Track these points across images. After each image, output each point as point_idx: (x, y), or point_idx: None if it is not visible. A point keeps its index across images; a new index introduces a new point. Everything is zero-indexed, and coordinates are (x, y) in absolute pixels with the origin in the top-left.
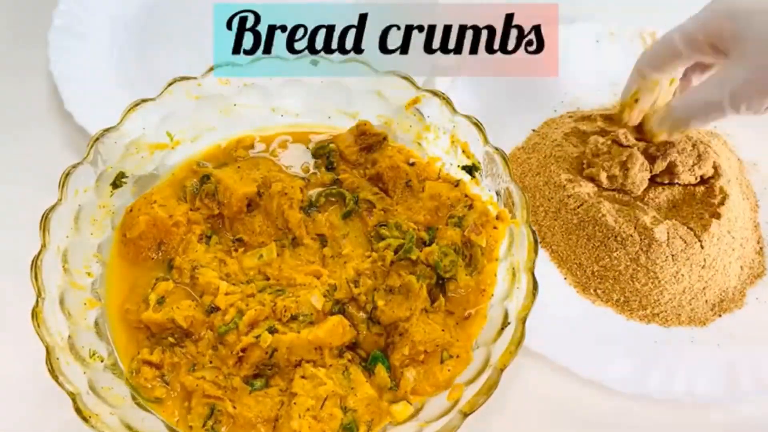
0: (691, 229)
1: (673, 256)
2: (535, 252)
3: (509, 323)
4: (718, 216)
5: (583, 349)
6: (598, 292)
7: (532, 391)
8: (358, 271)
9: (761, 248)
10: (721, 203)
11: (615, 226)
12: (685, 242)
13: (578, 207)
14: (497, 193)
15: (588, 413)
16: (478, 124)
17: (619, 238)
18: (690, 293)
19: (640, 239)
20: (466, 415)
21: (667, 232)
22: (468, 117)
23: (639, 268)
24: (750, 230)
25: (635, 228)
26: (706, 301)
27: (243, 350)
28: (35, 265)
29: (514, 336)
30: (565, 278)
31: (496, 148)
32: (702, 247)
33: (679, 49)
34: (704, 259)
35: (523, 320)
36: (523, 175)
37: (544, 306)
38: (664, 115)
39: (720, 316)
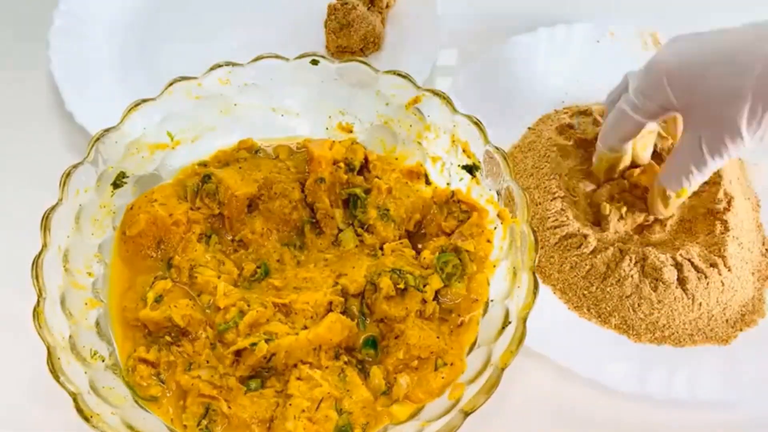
0: (706, 257)
1: (685, 290)
2: (536, 251)
3: (510, 322)
4: (724, 223)
5: (584, 349)
6: (593, 312)
7: (533, 391)
8: (368, 277)
9: (766, 250)
10: (727, 209)
11: (605, 268)
12: (701, 273)
13: (557, 228)
14: (498, 193)
15: (588, 413)
16: (478, 124)
17: (615, 276)
18: (707, 316)
19: (640, 279)
20: (467, 414)
21: (677, 270)
22: (468, 116)
23: (642, 301)
24: (754, 232)
25: (634, 264)
26: (726, 321)
27: (240, 351)
28: (36, 265)
29: (515, 335)
30: (553, 293)
31: (497, 148)
32: (719, 273)
33: (636, 120)
34: (722, 282)
35: (524, 319)
36: (518, 175)
37: (543, 307)
38: (659, 195)
39: (742, 330)
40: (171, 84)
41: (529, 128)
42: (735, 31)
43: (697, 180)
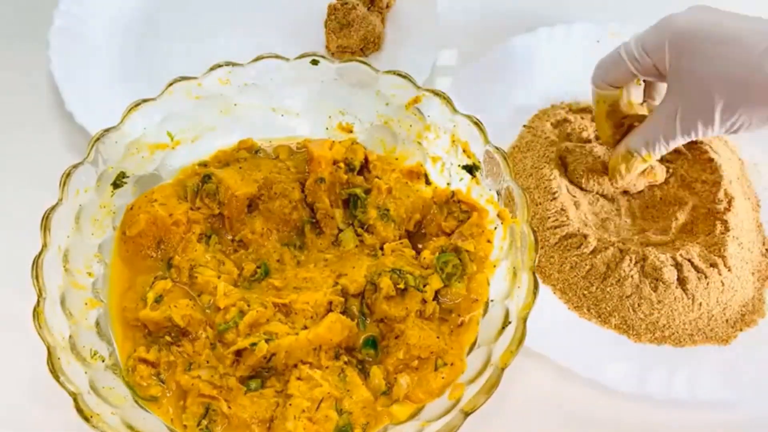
0: (706, 257)
1: (685, 290)
2: (536, 251)
3: (510, 322)
4: (725, 223)
5: (584, 349)
6: (593, 312)
7: (533, 391)
8: (368, 277)
9: (767, 250)
10: (727, 209)
11: (605, 267)
12: (701, 272)
13: (557, 228)
14: (498, 193)
15: (588, 413)
16: (478, 124)
17: (615, 276)
18: (707, 316)
19: (640, 279)
20: (467, 414)
21: (677, 270)
22: (468, 116)
23: (642, 301)
24: (754, 232)
25: (634, 264)
26: (726, 321)
27: (240, 351)
28: (36, 265)
29: (515, 335)
30: (553, 293)
31: (497, 148)
32: (719, 273)
33: (626, 67)
34: (722, 282)
35: (524, 319)
36: (518, 175)
37: (543, 307)
38: (623, 152)
39: (742, 330)
40: (171, 84)
41: (524, 126)
42: (755, 21)
43: (661, 151)
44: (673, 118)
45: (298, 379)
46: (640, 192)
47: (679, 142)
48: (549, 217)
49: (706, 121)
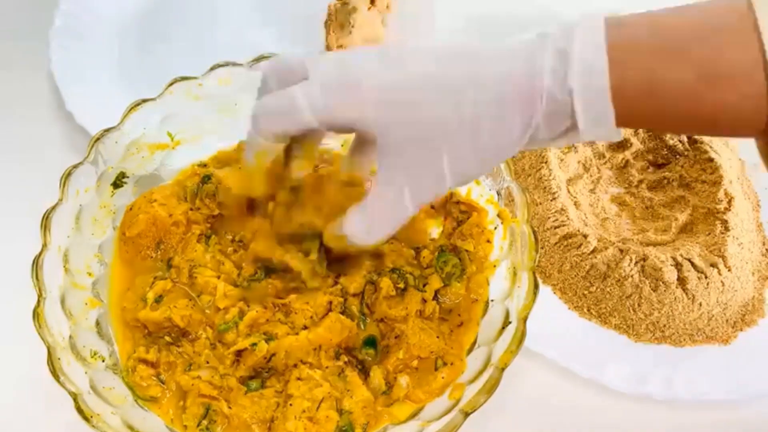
0: (706, 257)
1: (685, 290)
2: (536, 251)
3: (510, 322)
4: (725, 223)
5: (583, 349)
6: (593, 311)
7: (533, 391)
8: (368, 277)
9: (767, 250)
10: (727, 209)
11: (605, 267)
12: (701, 272)
13: (557, 228)
14: (498, 193)
15: (588, 413)
16: None
17: (615, 276)
18: (707, 316)
19: (640, 279)
20: (467, 414)
21: (677, 270)
22: None
23: (642, 301)
24: (754, 232)
25: (634, 264)
26: (726, 321)
27: (240, 351)
28: (36, 265)
29: (515, 335)
30: (553, 293)
31: None
32: (720, 273)
33: (306, 121)
34: (722, 282)
35: (524, 319)
36: (518, 175)
37: (543, 307)
38: (336, 235)
39: (742, 330)
40: (171, 84)
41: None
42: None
43: (385, 236)
44: (400, 193)
45: (298, 379)
46: (638, 189)
47: (411, 214)
48: (549, 217)
49: (440, 185)
